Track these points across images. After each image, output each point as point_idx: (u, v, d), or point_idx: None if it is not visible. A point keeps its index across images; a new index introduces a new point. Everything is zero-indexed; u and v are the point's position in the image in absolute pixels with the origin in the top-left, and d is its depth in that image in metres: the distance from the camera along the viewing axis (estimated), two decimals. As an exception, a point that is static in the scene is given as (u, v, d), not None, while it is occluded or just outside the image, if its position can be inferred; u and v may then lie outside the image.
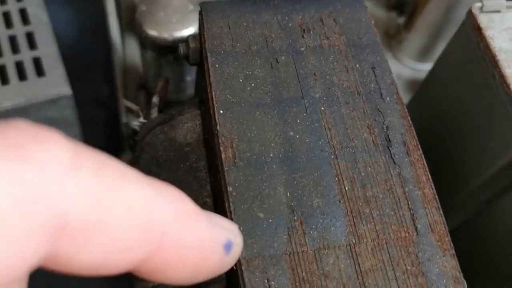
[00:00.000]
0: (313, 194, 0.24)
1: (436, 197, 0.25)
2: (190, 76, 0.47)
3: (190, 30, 0.44)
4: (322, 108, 0.27)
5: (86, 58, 0.44)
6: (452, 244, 0.24)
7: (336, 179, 0.25)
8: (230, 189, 0.24)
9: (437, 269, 0.23)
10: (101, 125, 0.50)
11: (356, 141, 0.26)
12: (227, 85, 0.27)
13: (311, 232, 0.23)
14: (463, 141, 0.35)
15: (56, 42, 0.32)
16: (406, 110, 0.28)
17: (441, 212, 0.25)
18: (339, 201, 0.24)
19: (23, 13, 0.33)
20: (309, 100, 0.27)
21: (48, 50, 0.32)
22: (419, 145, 0.27)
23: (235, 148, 0.25)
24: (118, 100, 0.48)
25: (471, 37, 0.33)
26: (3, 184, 0.10)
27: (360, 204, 0.24)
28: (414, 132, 0.27)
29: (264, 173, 0.24)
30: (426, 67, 0.60)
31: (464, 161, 0.34)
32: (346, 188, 0.25)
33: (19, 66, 0.31)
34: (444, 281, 0.23)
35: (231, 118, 0.26)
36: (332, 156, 0.25)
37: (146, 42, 0.45)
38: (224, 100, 0.26)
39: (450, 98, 0.36)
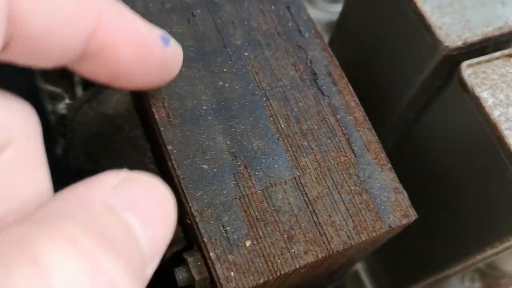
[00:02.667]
0: (252, 138, 0.25)
1: (367, 118, 0.27)
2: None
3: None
4: (246, 54, 0.27)
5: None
6: (388, 159, 0.26)
7: (271, 119, 0.26)
8: (169, 147, 0.24)
9: (378, 184, 0.25)
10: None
11: (284, 80, 0.27)
12: None
13: (256, 173, 0.24)
14: (384, 67, 0.36)
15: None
16: (325, 42, 0.28)
17: (374, 131, 0.26)
18: (278, 139, 0.25)
19: None
20: (231, 48, 0.27)
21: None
22: (343, 74, 0.28)
23: (167, 107, 0.25)
24: (39, 90, 0.46)
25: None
26: None
27: (298, 138, 0.25)
28: (336, 62, 0.28)
29: (201, 126, 0.25)
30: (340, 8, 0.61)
31: (388, 86, 0.36)
32: (282, 126, 0.25)
33: None
34: (386, 193, 0.25)
35: None
36: (264, 98, 0.26)
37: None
38: None
39: (366, 28, 0.37)
